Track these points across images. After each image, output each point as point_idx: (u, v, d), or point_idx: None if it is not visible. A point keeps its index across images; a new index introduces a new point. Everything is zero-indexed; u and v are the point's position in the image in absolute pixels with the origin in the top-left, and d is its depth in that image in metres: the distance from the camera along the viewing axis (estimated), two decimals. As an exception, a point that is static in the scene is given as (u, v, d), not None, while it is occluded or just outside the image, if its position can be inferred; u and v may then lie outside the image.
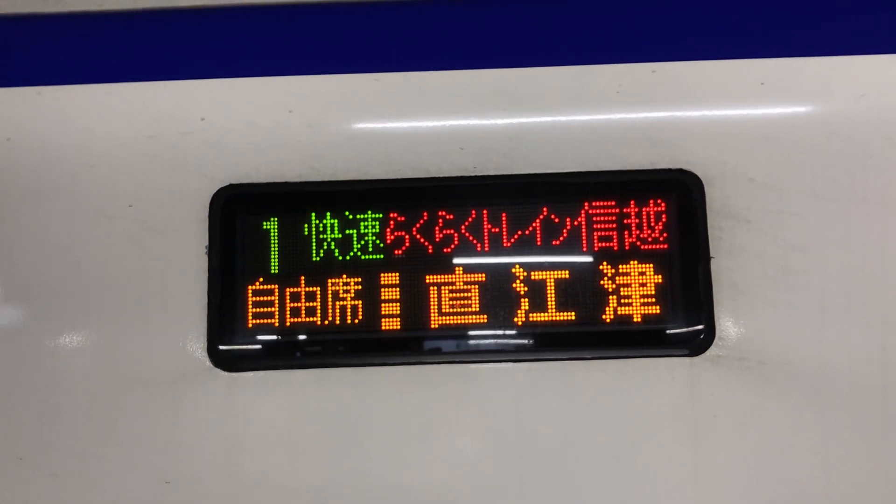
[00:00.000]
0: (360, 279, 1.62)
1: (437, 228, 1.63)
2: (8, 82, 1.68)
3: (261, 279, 1.62)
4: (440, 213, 1.64)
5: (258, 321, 1.61)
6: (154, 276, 1.60)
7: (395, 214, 1.64)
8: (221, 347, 1.59)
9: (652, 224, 1.62)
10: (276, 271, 1.62)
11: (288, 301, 1.61)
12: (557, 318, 1.60)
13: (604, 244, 1.62)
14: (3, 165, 1.65)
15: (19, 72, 1.69)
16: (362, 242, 1.63)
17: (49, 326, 1.60)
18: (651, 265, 1.62)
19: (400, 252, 1.63)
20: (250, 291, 1.61)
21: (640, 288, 1.61)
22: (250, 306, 1.61)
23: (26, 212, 1.63)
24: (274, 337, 1.61)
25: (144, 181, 1.63)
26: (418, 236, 1.64)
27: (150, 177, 1.63)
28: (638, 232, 1.62)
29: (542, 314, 1.60)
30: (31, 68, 1.70)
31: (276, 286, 1.61)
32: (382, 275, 1.62)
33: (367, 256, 1.63)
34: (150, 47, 1.72)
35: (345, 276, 1.62)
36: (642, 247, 1.62)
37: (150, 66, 1.70)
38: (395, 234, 1.64)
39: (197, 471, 1.57)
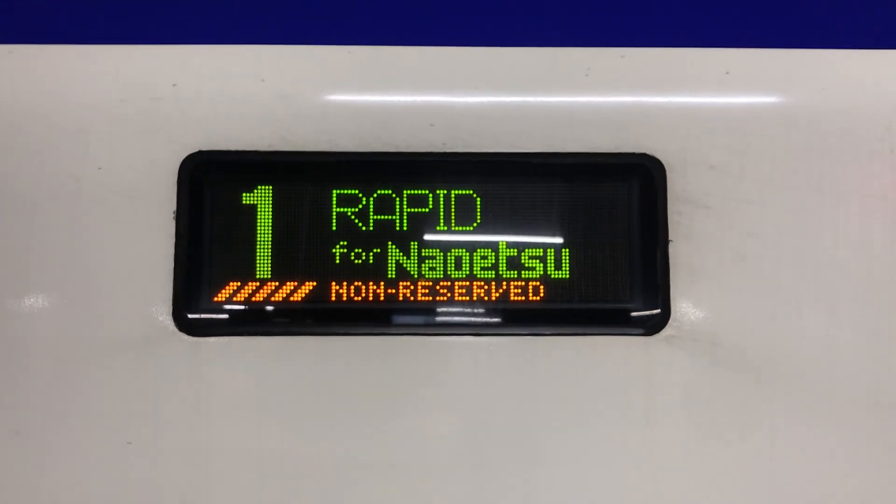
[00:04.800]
0: (326, 250, 1.64)
1: (405, 203, 1.66)
2: (-22, 39, 1.67)
3: (227, 246, 1.64)
4: (409, 188, 1.66)
5: (224, 287, 1.63)
6: (122, 239, 1.61)
7: (364, 188, 1.66)
8: (186, 312, 1.61)
9: (614, 206, 1.66)
10: (244, 238, 1.64)
11: (254, 268, 1.63)
12: (519, 294, 1.64)
13: (567, 224, 1.65)
14: None
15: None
16: (330, 214, 1.65)
17: (14, 286, 1.60)
18: (611, 246, 1.66)
19: (367, 225, 1.65)
20: (216, 258, 1.63)
21: (601, 268, 1.65)
22: (216, 272, 1.63)
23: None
24: (239, 303, 1.63)
25: (114, 145, 1.63)
26: (386, 210, 1.66)
27: (120, 141, 1.63)
28: (600, 213, 1.66)
29: (505, 290, 1.64)
30: (3, 26, 1.68)
31: (243, 253, 1.63)
32: (349, 246, 1.64)
33: (334, 228, 1.65)
34: (124, 10, 1.71)
35: (312, 246, 1.65)
36: (604, 228, 1.66)
37: (123, 30, 1.69)
38: (363, 207, 1.66)
39: (159, 433, 1.58)
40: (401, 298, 1.64)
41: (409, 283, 1.64)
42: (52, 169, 1.63)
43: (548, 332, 1.64)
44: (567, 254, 1.65)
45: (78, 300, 1.60)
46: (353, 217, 1.66)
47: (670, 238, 1.64)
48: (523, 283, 1.64)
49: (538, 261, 1.65)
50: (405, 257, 1.65)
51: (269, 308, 1.64)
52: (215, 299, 1.63)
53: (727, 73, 1.70)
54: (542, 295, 1.64)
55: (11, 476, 1.56)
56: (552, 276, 1.65)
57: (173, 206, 1.62)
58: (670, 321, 1.63)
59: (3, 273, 1.61)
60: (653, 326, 1.63)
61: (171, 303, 1.60)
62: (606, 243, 1.66)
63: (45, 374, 1.58)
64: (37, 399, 1.57)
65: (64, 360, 1.58)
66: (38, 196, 1.62)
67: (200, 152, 1.63)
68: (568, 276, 1.65)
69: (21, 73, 1.66)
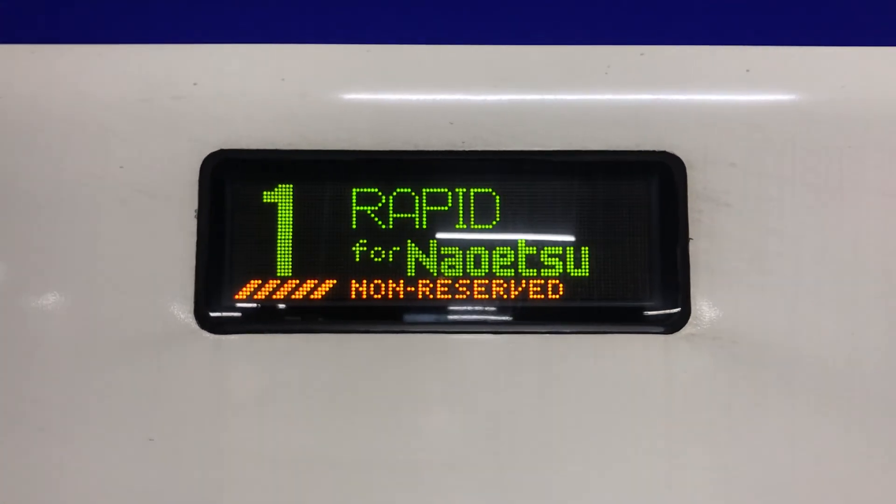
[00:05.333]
0: (346, 248, 1.65)
1: (424, 202, 1.66)
2: (1, 39, 1.68)
3: (248, 244, 1.64)
4: (428, 187, 1.66)
5: (244, 285, 1.64)
6: (143, 238, 1.62)
7: (384, 186, 1.66)
8: (208, 310, 1.62)
9: (634, 204, 1.66)
10: (264, 237, 1.64)
11: (275, 266, 1.64)
12: (538, 292, 1.64)
13: (587, 222, 1.65)
14: None
15: (13, 29, 1.69)
16: (350, 212, 1.66)
17: (38, 284, 1.62)
18: (631, 244, 1.66)
19: (387, 223, 1.66)
20: (237, 256, 1.64)
21: (620, 266, 1.65)
22: (237, 271, 1.64)
23: (16, 171, 1.64)
24: (260, 301, 1.64)
25: (136, 144, 1.64)
26: (405, 209, 1.66)
27: (141, 140, 1.64)
28: (620, 211, 1.66)
29: (524, 288, 1.64)
30: (26, 26, 1.69)
31: (264, 251, 1.64)
32: (369, 245, 1.65)
33: (354, 226, 1.66)
34: (144, 10, 1.72)
35: (331, 244, 1.65)
36: (624, 226, 1.66)
37: (144, 29, 1.70)
38: (383, 205, 1.66)
39: (181, 430, 1.60)
40: (420, 296, 1.65)
41: (428, 282, 1.65)
42: (75, 168, 1.64)
43: (567, 331, 1.64)
44: (586, 252, 1.65)
45: (100, 298, 1.61)
46: (372, 215, 1.66)
47: (690, 236, 1.63)
48: (542, 282, 1.64)
49: (557, 259, 1.65)
50: (424, 255, 1.65)
51: (290, 306, 1.65)
52: (236, 297, 1.64)
53: (747, 70, 1.69)
54: (561, 293, 1.64)
55: (37, 472, 1.57)
56: (571, 274, 1.65)
57: (194, 204, 1.63)
58: (690, 319, 1.62)
59: (25, 271, 1.62)
60: (673, 325, 1.63)
61: (192, 301, 1.61)
62: (626, 241, 1.66)
63: (68, 371, 1.59)
64: (61, 396, 1.59)
65: (87, 357, 1.60)
66: (60, 195, 1.63)
67: (221, 151, 1.64)
68: (587, 274, 1.65)
69: (43, 72, 1.67)
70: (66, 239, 1.62)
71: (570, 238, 1.65)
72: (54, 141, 1.64)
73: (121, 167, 1.63)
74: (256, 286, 1.64)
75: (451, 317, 1.66)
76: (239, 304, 1.64)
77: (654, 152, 1.65)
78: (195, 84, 1.66)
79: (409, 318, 1.66)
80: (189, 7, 1.74)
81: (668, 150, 1.65)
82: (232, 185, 1.65)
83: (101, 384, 1.59)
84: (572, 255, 1.65)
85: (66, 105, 1.65)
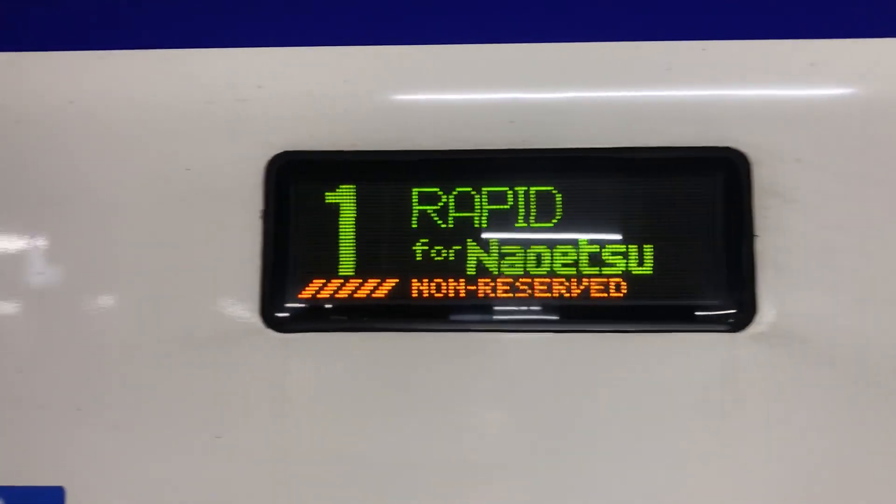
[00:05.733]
0: (407, 247, 1.66)
1: (484, 200, 1.66)
2: (71, 46, 1.73)
3: (312, 244, 1.66)
4: (488, 186, 1.67)
5: (308, 285, 1.66)
6: (210, 239, 1.65)
7: (444, 185, 1.67)
8: (273, 309, 1.64)
9: (698, 201, 1.64)
10: (327, 237, 1.66)
11: (337, 266, 1.65)
12: (601, 291, 1.63)
13: (650, 219, 1.64)
14: (65, 128, 1.70)
15: (82, 36, 1.74)
16: (411, 212, 1.67)
17: (106, 285, 1.66)
18: (695, 241, 1.64)
19: (447, 223, 1.66)
20: (301, 256, 1.66)
21: (684, 263, 1.63)
22: (301, 270, 1.66)
23: (87, 174, 1.68)
24: (323, 300, 1.66)
25: (202, 146, 1.67)
26: (465, 208, 1.67)
27: (207, 142, 1.67)
28: (684, 208, 1.64)
29: (586, 287, 1.63)
30: (95, 33, 1.74)
31: (327, 251, 1.66)
32: (430, 244, 1.66)
33: (415, 225, 1.67)
34: (209, 15, 1.75)
35: (392, 243, 1.66)
36: (688, 223, 1.64)
37: (208, 34, 1.73)
38: (443, 204, 1.67)
39: (247, 427, 1.62)
40: (481, 295, 1.65)
41: (489, 280, 1.65)
42: (143, 170, 1.67)
43: (631, 329, 1.63)
44: (650, 250, 1.63)
45: (168, 299, 1.65)
46: (433, 215, 1.67)
47: (756, 233, 1.61)
48: (605, 280, 1.63)
49: (620, 257, 1.64)
50: (485, 254, 1.65)
51: (352, 305, 1.66)
52: (300, 296, 1.66)
53: (812, 64, 1.66)
54: (624, 291, 1.63)
55: (110, 468, 1.61)
56: (634, 272, 1.63)
57: (259, 205, 1.65)
58: (757, 317, 1.60)
59: (95, 272, 1.66)
60: (739, 323, 1.61)
61: (258, 300, 1.63)
62: (690, 238, 1.64)
63: (138, 370, 1.63)
64: (131, 395, 1.62)
65: (156, 357, 1.63)
66: (128, 197, 1.67)
67: (286, 153, 1.66)
68: (651, 272, 1.63)
69: (113, 77, 1.71)
70: (135, 240, 1.66)
71: (633, 236, 1.64)
72: (123, 144, 1.68)
73: (187, 169, 1.67)
74: (320, 285, 1.66)
75: (511, 316, 1.66)
76: (303, 304, 1.66)
77: (718, 148, 1.63)
78: (259, 87, 1.69)
79: (469, 317, 1.67)
80: (251, 11, 1.77)
81: (733, 145, 1.63)
82: (296, 186, 1.67)
83: (170, 383, 1.62)
84: (635, 253, 1.63)
85: (133, 109, 1.69)
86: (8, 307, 1.67)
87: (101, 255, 1.66)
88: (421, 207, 1.67)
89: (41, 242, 1.67)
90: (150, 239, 1.66)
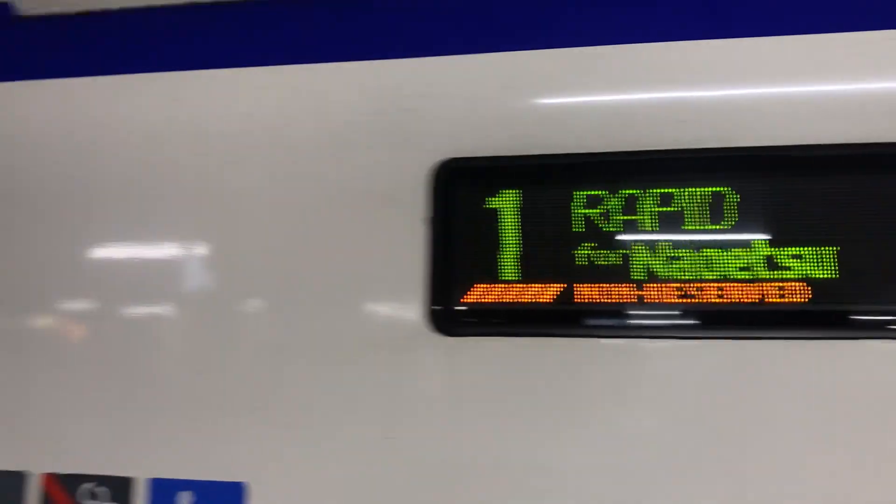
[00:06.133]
0: (571, 251, 1.64)
1: (651, 203, 1.62)
2: (249, 63, 1.82)
3: (476, 249, 1.67)
4: (655, 187, 1.62)
5: (472, 289, 1.66)
6: (378, 243, 1.69)
7: (609, 188, 1.63)
8: (438, 313, 1.65)
9: (889, 200, 1.53)
10: (492, 242, 1.66)
11: (502, 271, 1.65)
12: (780, 296, 1.55)
13: (839, 222, 1.54)
14: (240, 140, 1.79)
15: (261, 53, 1.83)
16: (575, 215, 1.65)
17: (278, 288, 1.72)
18: (886, 244, 1.53)
19: (612, 226, 1.63)
20: (466, 261, 1.67)
21: (873, 267, 1.52)
22: (466, 275, 1.66)
23: (264, 185, 1.76)
24: (488, 305, 1.65)
25: (369, 154, 1.72)
26: (631, 210, 1.63)
27: (374, 151, 1.72)
28: (873, 208, 1.54)
29: (763, 292, 1.55)
30: (278, 48, 1.82)
31: (491, 256, 1.66)
32: (594, 248, 1.63)
33: (579, 229, 1.64)
34: (375, 28, 1.81)
35: (556, 248, 1.64)
36: (877, 224, 1.53)
37: (373, 46, 1.78)
38: (609, 207, 1.63)
39: (415, 429, 1.64)
40: (648, 300, 1.60)
41: (657, 285, 1.60)
42: (314, 178, 1.73)
43: (815, 336, 1.53)
44: (834, 253, 1.53)
45: (338, 303, 1.69)
46: (597, 218, 1.64)
47: None
48: (785, 285, 1.55)
49: (801, 261, 1.55)
50: (653, 258, 1.61)
51: (517, 309, 1.65)
52: (465, 301, 1.66)
53: None
54: (807, 297, 1.53)
55: (291, 466, 1.67)
56: (817, 276, 1.54)
57: (424, 211, 1.68)
58: None
59: (270, 278, 1.73)
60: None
61: (424, 304, 1.65)
62: (879, 241, 1.53)
63: (313, 373, 1.68)
64: (308, 396, 1.67)
65: (327, 359, 1.67)
66: (302, 204, 1.73)
67: (452, 159, 1.68)
68: (836, 276, 1.53)
69: (288, 90, 1.79)
70: (304, 246, 1.72)
71: (821, 238, 1.54)
72: (296, 154, 1.75)
73: (356, 177, 1.71)
74: (484, 290, 1.66)
75: (681, 321, 1.60)
76: (468, 308, 1.66)
77: None
78: (423, 96, 1.72)
79: (637, 322, 1.62)
80: (414, 22, 1.80)
81: None
82: (460, 192, 1.68)
83: (341, 385, 1.66)
84: (818, 257, 1.54)
85: (306, 120, 1.76)
86: (195, 313, 1.76)
87: (274, 261, 1.73)
88: (585, 211, 1.65)
89: (225, 250, 1.76)
90: (319, 245, 1.71)
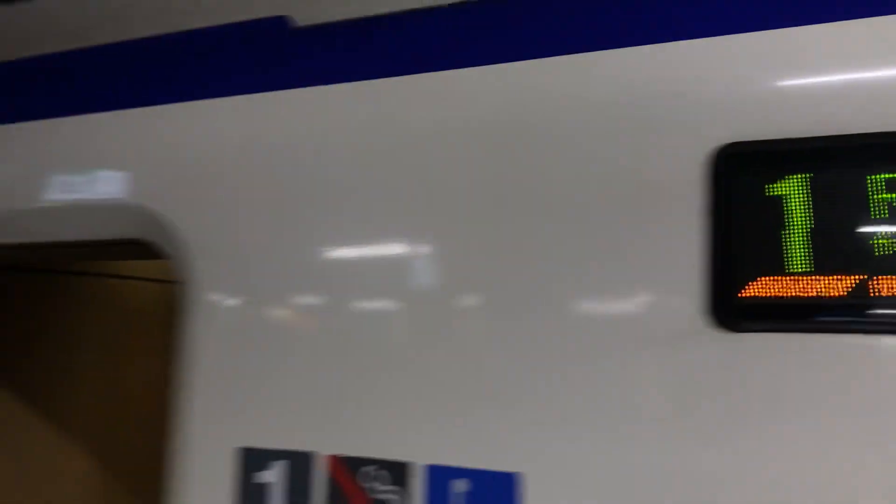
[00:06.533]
0: (868, 241, 1.50)
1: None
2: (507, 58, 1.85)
3: (759, 239, 1.58)
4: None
5: (756, 281, 1.57)
6: (652, 236, 1.64)
7: (914, 171, 1.49)
8: (720, 308, 1.58)
9: None
10: (776, 232, 1.56)
11: (789, 262, 1.55)
12: None
13: None
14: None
15: (520, 47, 1.85)
16: (873, 201, 1.51)
17: (556, 284, 1.71)
18: None
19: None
20: (748, 252, 1.58)
21: None
22: (748, 267, 1.58)
23: (526, 181, 1.77)
24: (774, 298, 1.56)
25: (639, 143, 1.67)
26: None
27: (646, 139, 1.67)
28: None
29: None
30: (523, 44, 1.84)
31: (776, 247, 1.56)
32: (893, 236, 1.48)
33: (879, 216, 1.51)
34: (637, 14, 1.77)
35: (851, 237, 1.52)
36: None
37: (639, 32, 1.74)
38: (912, 192, 1.49)
39: (698, 426, 1.57)
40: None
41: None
42: (584, 171, 1.71)
43: None
44: None
45: (615, 297, 1.66)
46: (897, 203, 1.49)
47: None
48: None
49: None
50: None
51: (807, 304, 1.54)
52: (748, 294, 1.58)
53: None
54: None
55: (566, 459, 1.66)
56: None
57: (701, 200, 1.61)
58: None
59: (551, 273, 1.72)
60: None
61: (704, 299, 1.59)
62: None
63: (589, 368, 1.66)
64: (584, 392, 1.65)
65: (607, 355, 1.65)
66: (571, 198, 1.72)
67: (733, 144, 1.59)
68: None
69: (550, 81, 1.80)
70: (571, 239, 1.71)
71: None
72: (563, 146, 1.74)
73: (628, 167, 1.68)
74: (770, 283, 1.57)
75: None
76: (752, 302, 1.57)
77: None
78: (696, 79, 1.65)
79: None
80: (676, 5, 1.74)
81: None
82: (742, 179, 1.60)
83: (620, 379, 1.63)
84: None
85: (572, 111, 1.75)
86: (475, 309, 1.79)
87: (551, 255, 1.73)
88: (884, 196, 1.51)
89: (501, 244, 1.79)
90: (588, 238, 1.69)
